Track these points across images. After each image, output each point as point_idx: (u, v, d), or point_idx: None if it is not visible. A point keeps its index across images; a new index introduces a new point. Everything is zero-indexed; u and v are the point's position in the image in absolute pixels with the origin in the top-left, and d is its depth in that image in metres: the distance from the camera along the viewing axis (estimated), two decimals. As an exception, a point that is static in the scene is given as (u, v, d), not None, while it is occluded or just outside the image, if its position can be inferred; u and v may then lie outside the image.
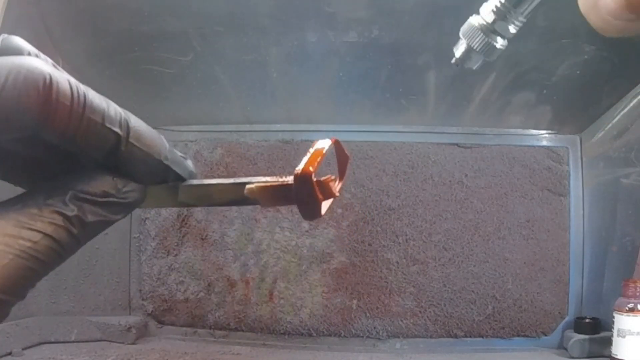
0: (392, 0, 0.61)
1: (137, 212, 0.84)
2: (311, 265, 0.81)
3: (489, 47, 0.26)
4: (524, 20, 0.25)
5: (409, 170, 0.82)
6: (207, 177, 0.86)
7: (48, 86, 0.19)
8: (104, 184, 0.23)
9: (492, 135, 0.83)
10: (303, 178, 0.22)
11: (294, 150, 0.83)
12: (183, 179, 0.27)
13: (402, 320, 0.79)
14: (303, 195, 0.23)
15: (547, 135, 0.84)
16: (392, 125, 0.84)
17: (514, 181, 0.82)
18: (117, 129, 0.22)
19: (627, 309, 0.66)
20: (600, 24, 0.19)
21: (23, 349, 0.68)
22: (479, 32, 0.26)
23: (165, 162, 0.26)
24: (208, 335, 0.82)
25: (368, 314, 0.80)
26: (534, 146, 0.83)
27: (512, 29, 0.25)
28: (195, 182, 0.26)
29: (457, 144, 0.83)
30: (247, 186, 0.24)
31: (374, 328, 0.80)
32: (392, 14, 0.62)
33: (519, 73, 0.72)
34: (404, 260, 0.80)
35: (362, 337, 0.80)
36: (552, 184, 0.82)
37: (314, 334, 0.80)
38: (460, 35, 0.27)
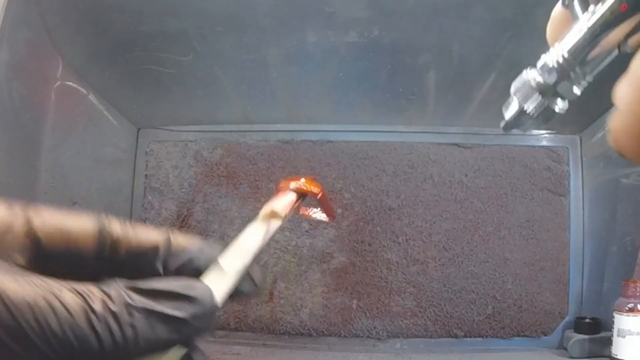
0: (392, 0, 0.61)
1: (137, 211, 0.84)
2: (311, 265, 0.81)
3: (546, 112, 0.22)
4: (591, 79, 0.21)
5: (409, 170, 0.82)
6: (207, 177, 0.86)
7: None
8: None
9: (492, 135, 0.83)
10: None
11: (294, 150, 0.83)
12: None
13: (402, 320, 0.79)
14: None
15: (547, 135, 0.84)
16: (392, 125, 0.84)
17: (514, 181, 0.82)
18: None
19: (627, 309, 0.66)
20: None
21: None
22: (536, 93, 0.21)
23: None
24: (208, 335, 0.82)
25: (368, 314, 0.80)
26: (534, 146, 0.83)
27: (577, 90, 0.21)
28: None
29: (457, 144, 0.83)
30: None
31: (374, 328, 0.80)
32: (392, 14, 0.62)
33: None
34: (404, 260, 0.80)
35: (362, 337, 0.80)
36: (552, 184, 0.82)
37: (314, 334, 0.80)
38: (512, 92, 0.22)
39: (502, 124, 0.23)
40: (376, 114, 0.83)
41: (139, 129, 0.85)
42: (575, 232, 0.81)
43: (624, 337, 0.66)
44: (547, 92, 0.21)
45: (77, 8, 0.61)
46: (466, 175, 0.82)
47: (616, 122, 0.16)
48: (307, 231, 0.81)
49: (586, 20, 0.19)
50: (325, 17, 0.62)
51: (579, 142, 0.83)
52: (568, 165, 0.82)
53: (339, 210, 0.82)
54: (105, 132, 0.78)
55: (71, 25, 0.63)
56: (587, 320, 0.75)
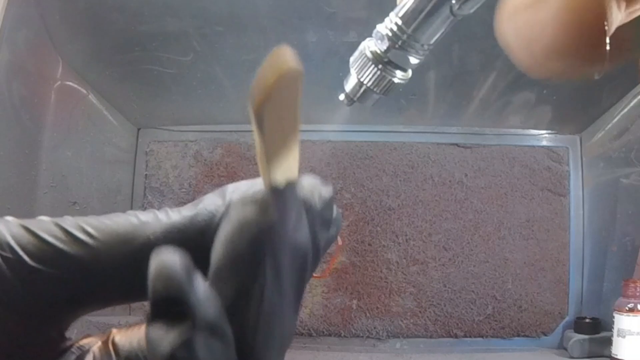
0: (392, 0, 0.61)
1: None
2: (311, 265, 0.81)
3: (384, 83, 0.21)
4: (430, 47, 0.19)
5: (409, 170, 0.82)
6: (207, 177, 0.86)
7: None
8: None
9: (492, 135, 0.84)
10: None
11: (294, 150, 0.83)
12: None
13: (402, 320, 0.79)
14: None
15: (547, 135, 0.84)
16: (392, 125, 0.84)
17: (514, 181, 0.82)
18: None
19: (627, 309, 0.66)
20: (531, 64, 0.15)
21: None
22: (370, 63, 0.20)
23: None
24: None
25: (368, 314, 0.80)
26: (534, 146, 0.83)
27: (414, 60, 0.20)
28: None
29: (457, 144, 0.83)
30: None
31: (374, 328, 0.80)
32: (392, 14, 0.62)
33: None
34: (404, 260, 0.80)
35: (362, 337, 0.80)
36: (552, 184, 0.82)
37: (314, 334, 0.80)
38: (350, 66, 0.21)
39: (342, 97, 0.23)
40: (376, 114, 0.83)
41: (139, 129, 0.85)
42: (575, 232, 0.81)
43: (624, 337, 0.66)
44: (381, 61, 0.20)
45: (77, 8, 0.61)
46: (466, 175, 0.82)
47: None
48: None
49: None
50: (325, 17, 0.62)
51: (579, 142, 0.83)
52: (568, 165, 0.82)
53: (339, 210, 0.82)
54: (105, 132, 0.78)
55: (71, 25, 0.63)
56: (587, 320, 0.75)
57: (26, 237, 0.18)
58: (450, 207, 0.81)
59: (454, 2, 0.17)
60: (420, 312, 0.80)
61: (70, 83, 0.68)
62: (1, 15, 0.53)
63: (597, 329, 0.74)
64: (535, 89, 0.75)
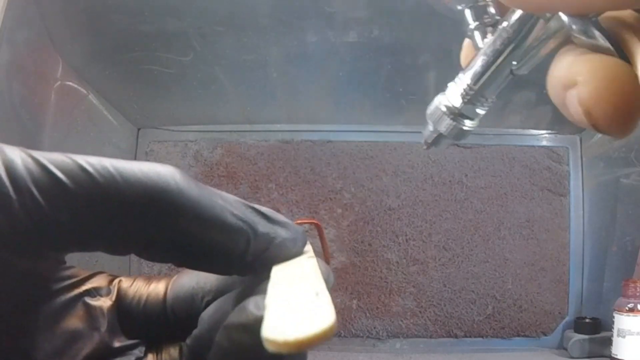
0: (392, 0, 0.61)
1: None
2: (311, 265, 0.81)
3: (457, 131, 0.25)
4: (493, 100, 0.24)
5: (409, 170, 0.82)
6: (207, 177, 0.86)
7: None
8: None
9: (492, 135, 0.84)
10: None
11: (294, 150, 0.83)
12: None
13: (402, 320, 0.79)
14: None
15: (547, 135, 0.84)
16: (392, 125, 0.84)
17: (514, 181, 0.82)
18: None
19: (627, 309, 0.66)
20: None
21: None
22: (446, 117, 0.24)
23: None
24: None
25: (368, 314, 0.80)
26: (534, 146, 0.83)
27: (481, 111, 0.24)
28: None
29: (457, 144, 0.83)
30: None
31: (374, 328, 0.80)
32: (392, 14, 0.62)
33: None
34: (404, 260, 0.80)
35: (362, 337, 0.80)
36: (552, 184, 0.82)
37: (314, 334, 0.80)
38: (427, 118, 0.25)
39: (423, 144, 0.27)
40: (376, 114, 0.83)
41: (139, 129, 0.85)
42: (575, 232, 0.81)
43: (624, 337, 0.66)
44: (454, 114, 0.24)
45: (77, 8, 0.61)
46: (466, 175, 0.82)
47: (584, 91, 0.16)
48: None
49: (482, 50, 0.22)
50: (325, 17, 0.62)
51: (579, 142, 0.83)
52: (568, 165, 0.82)
53: (339, 210, 0.82)
54: (105, 132, 0.78)
55: (71, 25, 0.63)
56: (587, 320, 0.75)
57: (39, 172, 0.17)
58: (450, 207, 0.81)
59: (514, 63, 0.21)
60: (420, 312, 0.80)
61: (70, 83, 0.68)
62: (1, 15, 0.53)
63: (597, 329, 0.74)
64: (535, 89, 0.75)
